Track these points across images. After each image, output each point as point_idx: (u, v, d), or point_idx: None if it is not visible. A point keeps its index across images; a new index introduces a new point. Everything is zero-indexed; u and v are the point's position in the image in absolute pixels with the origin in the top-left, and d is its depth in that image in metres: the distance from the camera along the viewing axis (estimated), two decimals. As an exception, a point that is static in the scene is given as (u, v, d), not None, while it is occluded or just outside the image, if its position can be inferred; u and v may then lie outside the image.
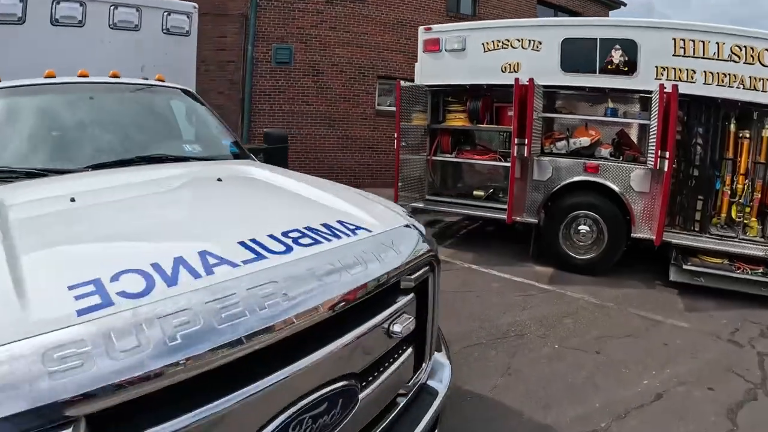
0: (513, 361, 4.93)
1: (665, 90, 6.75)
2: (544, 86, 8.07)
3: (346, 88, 14.63)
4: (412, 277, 2.42)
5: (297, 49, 14.34)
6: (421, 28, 9.32)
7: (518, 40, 8.30)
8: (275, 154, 4.90)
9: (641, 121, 8.04)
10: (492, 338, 5.45)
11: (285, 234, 2.15)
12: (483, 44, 8.60)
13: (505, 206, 8.06)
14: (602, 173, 7.71)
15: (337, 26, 14.48)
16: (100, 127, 3.75)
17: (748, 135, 7.26)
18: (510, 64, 8.39)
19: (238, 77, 14.18)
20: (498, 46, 8.48)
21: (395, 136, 8.80)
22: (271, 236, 2.10)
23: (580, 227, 7.82)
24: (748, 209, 7.22)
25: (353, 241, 2.28)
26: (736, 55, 6.97)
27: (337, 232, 2.30)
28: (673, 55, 7.33)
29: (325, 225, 2.34)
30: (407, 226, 2.71)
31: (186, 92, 4.74)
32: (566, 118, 8.69)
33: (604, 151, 8.16)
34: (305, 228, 2.24)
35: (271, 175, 3.44)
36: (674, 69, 7.33)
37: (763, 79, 6.86)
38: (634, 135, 8.48)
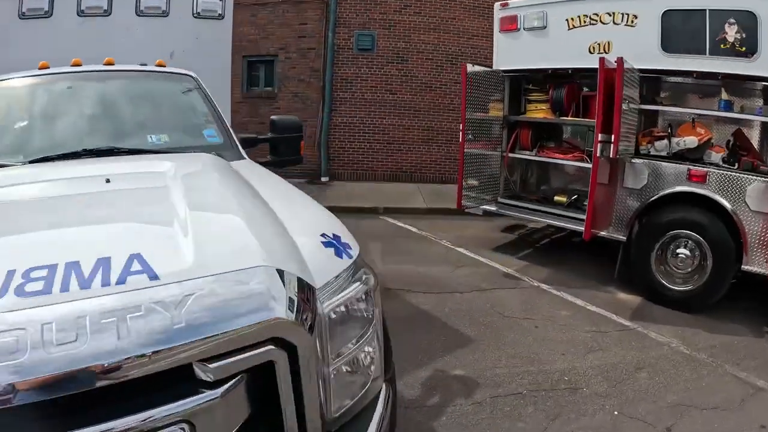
0: (551, 427, 3.69)
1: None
2: (641, 71, 6.51)
3: (432, 77, 13.45)
4: (216, 365, 1.52)
5: (379, 36, 13.35)
6: (496, 5, 8.04)
7: (609, 14, 6.78)
8: (283, 145, 4.35)
9: (763, 119, 6.25)
10: (536, 388, 4.23)
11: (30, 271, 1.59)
12: (567, 20, 7.17)
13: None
14: (711, 184, 5.95)
15: (422, 11, 13.31)
16: (64, 119, 3.67)
17: None
18: (599, 44, 6.90)
19: (319, 65, 13.48)
20: (585, 21, 7.01)
21: (460, 127, 7.54)
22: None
23: (678, 250, 6.15)
24: None
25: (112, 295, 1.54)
26: None
27: (119, 277, 1.61)
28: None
29: (119, 261, 1.68)
30: (275, 271, 1.78)
31: (184, 77, 4.43)
32: (668, 111, 7.00)
33: (715, 156, 6.33)
34: (83, 262, 1.65)
35: (188, 178, 2.71)
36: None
37: None
38: (754, 137, 6.59)
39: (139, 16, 6.91)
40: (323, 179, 13.46)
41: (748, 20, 5.84)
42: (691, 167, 6.15)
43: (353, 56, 13.41)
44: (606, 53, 6.68)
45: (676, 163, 6.33)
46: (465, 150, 7.58)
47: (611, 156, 6.13)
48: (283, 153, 4.24)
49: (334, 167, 13.68)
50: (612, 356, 4.84)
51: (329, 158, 13.63)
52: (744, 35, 5.86)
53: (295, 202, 2.72)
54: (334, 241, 2.21)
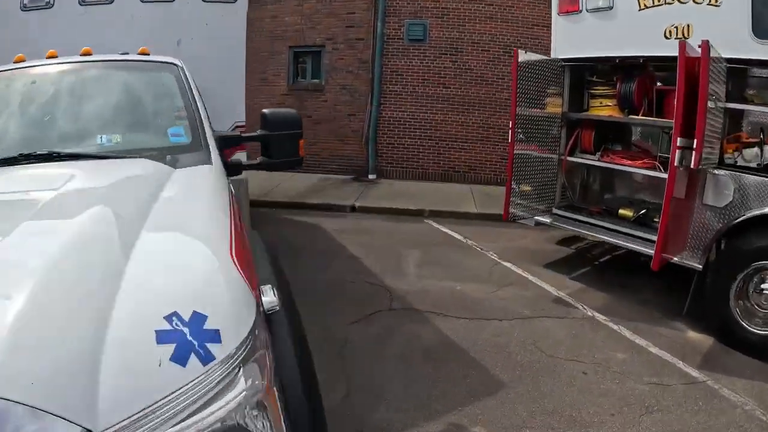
0: None
1: None
2: (727, 60, 5.30)
3: (488, 69, 12.32)
4: None
5: (432, 25, 12.36)
6: (558, -18, 6.89)
7: None
8: (277, 144, 3.58)
9: None
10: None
11: None
12: None
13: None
14: None
15: (480, -3, 12.28)
16: (16, 117, 3.41)
17: None
18: (676, 27, 5.70)
19: (368, 56, 12.68)
20: (659, 1, 5.81)
21: (510, 125, 6.48)
22: None
23: (764, 285, 4.95)
24: None
25: None
26: None
27: None
28: None
29: None
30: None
31: (165, 66, 4.00)
32: (761, 111, 5.69)
33: None
34: None
35: (45, 215, 1.92)
36: None
37: None
38: None
39: (143, 2, 6.40)
40: (371, 176, 12.75)
41: None
42: None
43: (404, 47, 12.52)
44: (685, 38, 5.50)
45: None
46: (515, 151, 6.52)
47: (692, 165, 4.94)
48: (277, 153, 3.53)
49: (382, 164, 12.85)
50: (674, 420, 3.74)
51: (377, 154, 12.82)
52: None
53: (176, 249, 1.73)
54: (186, 329, 1.27)
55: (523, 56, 6.41)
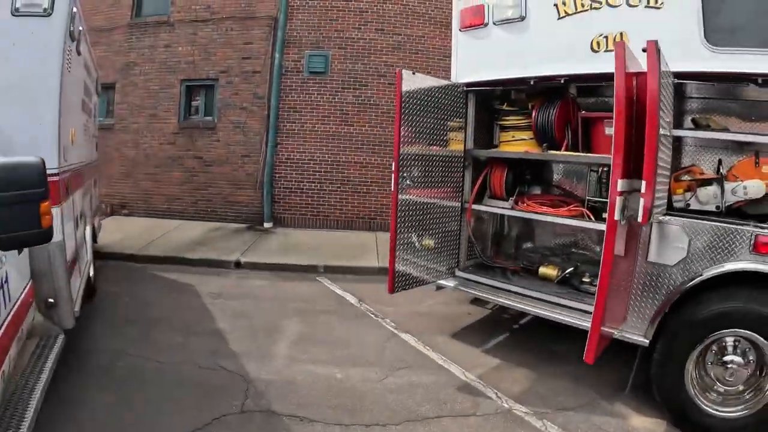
0: None
1: None
2: (675, 75, 4.01)
3: (395, 105, 10.84)
4: None
5: (334, 57, 10.97)
6: (456, -8, 5.48)
7: None
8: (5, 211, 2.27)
9: None
10: None
11: None
12: (556, 5, 4.69)
13: (591, 306, 3.87)
14: None
15: (385, 27, 10.93)
16: None
17: None
18: (606, 38, 4.40)
19: (264, 90, 11.12)
20: (583, 5, 4.53)
21: (393, 167, 4.88)
22: None
23: (726, 357, 3.81)
24: None
25: None
26: None
27: None
28: None
29: None
30: None
31: None
32: (716, 137, 4.53)
33: None
34: None
35: None
36: None
37: None
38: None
39: None
40: (266, 225, 11.09)
41: None
42: (759, 230, 3.67)
43: (303, 80, 11.04)
44: None
45: (733, 223, 3.82)
46: (400, 198, 4.88)
47: (640, 219, 3.49)
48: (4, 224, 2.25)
49: (279, 211, 11.18)
50: None
51: (273, 200, 11.17)
52: None
53: None
54: None
55: (412, 80, 4.85)
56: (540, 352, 5.21)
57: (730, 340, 3.81)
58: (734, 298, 3.77)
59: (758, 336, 3.65)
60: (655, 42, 3.35)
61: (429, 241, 5.34)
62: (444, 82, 5.21)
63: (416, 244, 5.20)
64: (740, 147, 4.49)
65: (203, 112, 11.81)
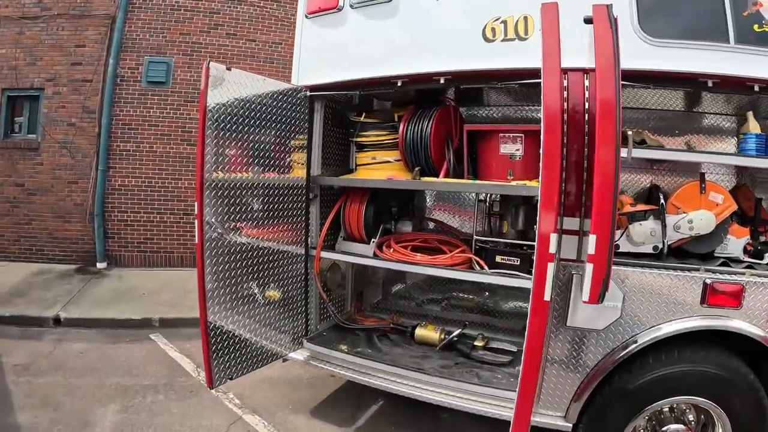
0: None
1: None
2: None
3: (250, 122, 9.28)
4: None
5: (177, 64, 9.17)
6: (301, -31, 4.05)
7: None
8: None
9: None
10: None
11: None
12: None
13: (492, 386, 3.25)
14: (749, 308, 2.92)
15: (239, 32, 9.37)
16: None
17: None
18: (505, 22, 3.18)
19: (96, 103, 9.07)
20: None
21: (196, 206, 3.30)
22: None
23: (666, 428, 3.16)
24: None
25: None
26: None
27: None
28: None
29: None
30: None
31: None
32: (655, 158, 3.61)
33: (735, 243, 3.29)
34: None
35: None
36: None
37: None
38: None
39: None
40: (99, 265, 9.00)
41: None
42: (711, 277, 2.94)
43: (141, 92, 9.11)
44: (523, 38, 3.10)
45: (681, 269, 3.01)
46: (222, 241, 3.30)
47: (587, 296, 2.30)
48: None
49: (113, 248, 9.12)
50: None
51: (106, 236, 9.07)
52: None
53: None
54: None
55: (227, 79, 3.27)
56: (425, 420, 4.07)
57: (670, 412, 3.23)
58: (678, 360, 3.04)
59: (703, 398, 3.01)
60: (608, 6, 2.08)
61: (274, 292, 3.80)
62: (279, 85, 3.69)
63: (258, 298, 3.64)
64: (681, 169, 3.72)
65: (26, 129, 9.53)
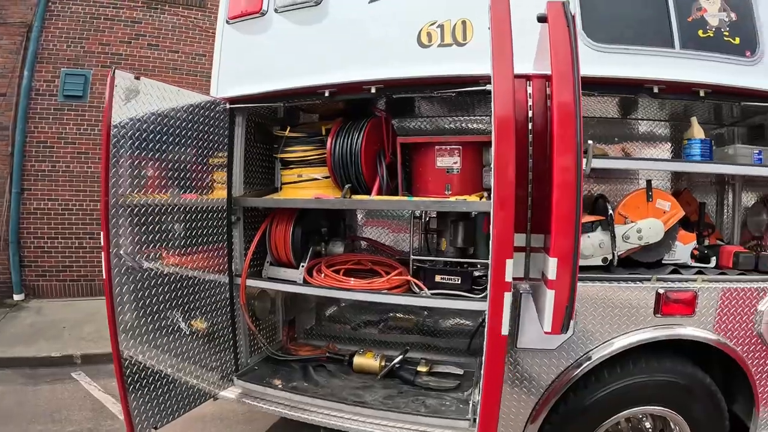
0: None
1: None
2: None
3: (174, 138, 8.95)
4: None
5: (96, 77, 8.75)
6: (222, -29, 3.81)
7: None
8: None
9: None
10: None
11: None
12: None
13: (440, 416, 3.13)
14: (703, 314, 2.98)
15: (161, 43, 9.04)
16: None
17: None
18: (442, 27, 3.09)
19: (9, 120, 8.54)
20: None
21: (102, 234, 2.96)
22: None
23: None
24: None
25: None
26: None
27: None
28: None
29: None
30: None
31: None
32: (609, 165, 3.50)
33: (683, 249, 3.31)
34: None
35: None
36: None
37: None
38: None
39: None
40: (16, 298, 8.45)
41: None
42: (663, 286, 2.97)
43: (58, 107, 8.65)
44: (461, 44, 3.04)
45: (632, 279, 3.03)
46: (115, 278, 2.91)
47: (548, 326, 2.18)
48: None
49: (31, 278, 8.61)
50: None
51: (23, 264, 8.54)
52: (734, 16, 3.11)
53: None
54: None
55: (137, 91, 2.97)
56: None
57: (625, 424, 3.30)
58: (635, 372, 3.04)
59: (660, 407, 3.05)
60: (563, 3, 1.95)
61: (200, 325, 3.50)
62: (195, 97, 3.41)
63: (183, 333, 3.34)
64: (626, 177, 3.79)
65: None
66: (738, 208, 3.92)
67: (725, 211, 4.05)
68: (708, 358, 3.11)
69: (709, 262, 3.27)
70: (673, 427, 3.15)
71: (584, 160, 2.50)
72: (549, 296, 1.96)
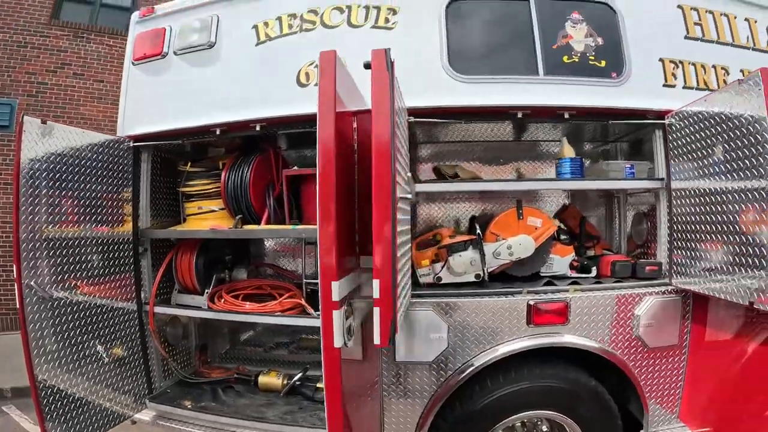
0: None
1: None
2: (413, 111, 3.24)
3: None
4: None
5: (22, 106, 8.79)
6: (134, 15, 4.06)
7: (339, 10, 3.45)
8: None
9: (639, 184, 3.62)
10: None
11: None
12: (256, 27, 3.58)
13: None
14: (576, 321, 3.25)
15: (86, 72, 9.14)
16: None
17: None
18: (318, 67, 3.24)
19: (-75, 155, 8.50)
20: (291, 27, 3.51)
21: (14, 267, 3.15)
22: None
23: None
24: None
25: None
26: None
27: None
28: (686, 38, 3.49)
29: None
30: None
31: None
32: (467, 188, 3.97)
33: (560, 261, 3.62)
34: None
35: None
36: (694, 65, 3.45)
37: None
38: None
39: None
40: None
41: (606, 18, 3.43)
42: (533, 298, 3.22)
43: (-21, 139, 8.62)
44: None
45: (501, 294, 3.26)
46: (29, 305, 3.09)
47: (378, 339, 2.32)
48: None
49: (-40, 310, 8.47)
50: None
51: (-50, 297, 8.42)
52: (601, 40, 3.40)
53: None
54: None
55: (47, 135, 3.19)
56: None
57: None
58: (516, 379, 3.22)
59: (546, 411, 3.23)
60: (386, 51, 2.28)
61: (115, 351, 3.71)
62: (99, 137, 3.63)
63: (96, 359, 3.54)
64: (498, 198, 4.10)
65: None
66: (624, 219, 4.20)
67: (614, 222, 4.34)
68: (602, 363, 3.31)
69: (590, 272, 3.52)
70: (567, 429, 3.33)
71: (409, 187, 2.84)
72: (376, 313, 2.28)
